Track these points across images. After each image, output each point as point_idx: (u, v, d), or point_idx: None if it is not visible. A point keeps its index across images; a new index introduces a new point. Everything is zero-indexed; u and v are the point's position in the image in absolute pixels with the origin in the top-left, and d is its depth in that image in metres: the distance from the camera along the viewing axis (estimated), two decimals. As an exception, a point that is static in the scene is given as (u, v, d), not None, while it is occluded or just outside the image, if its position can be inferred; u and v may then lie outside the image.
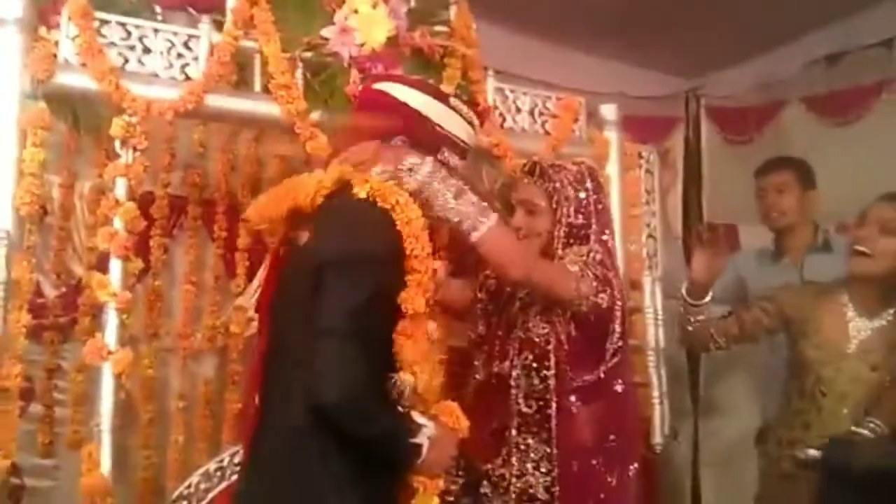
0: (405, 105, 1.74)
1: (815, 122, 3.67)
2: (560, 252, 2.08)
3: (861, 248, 2.35)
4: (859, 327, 2.40)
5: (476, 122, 1.86)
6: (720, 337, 2.60)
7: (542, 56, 3.75)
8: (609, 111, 2.75)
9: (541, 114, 2.61)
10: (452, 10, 2.43)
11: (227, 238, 2.87)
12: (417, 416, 1.62)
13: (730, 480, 3.40)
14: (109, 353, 1.90)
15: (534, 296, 2.06)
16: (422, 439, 1.60)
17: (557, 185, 2.09)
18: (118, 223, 1.95)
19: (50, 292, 2.79)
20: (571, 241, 2.09)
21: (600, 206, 2.15)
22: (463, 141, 1.80)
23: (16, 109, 1.90)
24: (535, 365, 2.04)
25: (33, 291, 2.65)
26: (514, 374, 2.07)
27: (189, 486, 2.11)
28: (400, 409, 1.62)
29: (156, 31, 2.06)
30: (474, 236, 1.81)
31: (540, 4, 3.33)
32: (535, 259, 2.03)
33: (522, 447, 2.05)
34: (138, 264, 2.01)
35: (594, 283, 1.99)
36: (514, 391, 2.06)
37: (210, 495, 2.12)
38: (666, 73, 4.19)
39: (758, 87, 3.96)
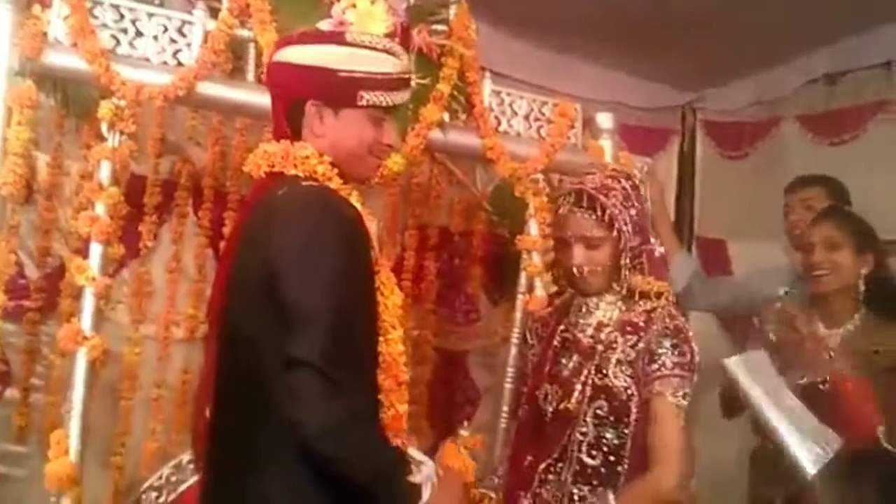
0: (295, 66, 1.57)
1: (809, 141, 3.66)
2: (627, 280, 1.95)
3: (819, 273, 2.47)
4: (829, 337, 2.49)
5: (393, 46, 1.65)
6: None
7: (542, 63, 3.73)
8: (605, 119, 2.73)
9: (536, 118, 2.59)
10: (452, 10, 2.41)
11: (214, 226, 2.84)
12: (415, 452, 1.52)
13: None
14: (84, 338, 1.87)
15: None
16: (421, 478, 1.47)
17: (615, 210, 1.92)
18: (100, 207, 1.92)
19: (33, 273, 2.76)
20: (634, 262, 1.97)
21: (646, 217, 2.05)
22: (382, 73, 1.59)
23: (3, 87, 1.88)
24: (611, 418, 1.90)
25: (17, 273, 2.70)
26: (582, 420, 1.92)
27: (160, 478, 2.09)
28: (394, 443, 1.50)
29: (149, 14, 2.03)
30: None
31: (542, 11, 3.31)
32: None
33: (577, 498, 1.90)
34: (119, 250, 1.98)
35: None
36: (578, 437, 1.91)
37: (181, 488, 2.10)
38: (665, 84, 4.18)
39: (756, 103, 3.95)
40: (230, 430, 1.51)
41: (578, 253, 1.95)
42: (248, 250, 1.51)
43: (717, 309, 3.37)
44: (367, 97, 1.57)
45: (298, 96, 1.58)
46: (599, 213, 1.92)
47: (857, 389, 2.32)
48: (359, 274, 1.48)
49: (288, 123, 1.59)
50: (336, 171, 1.56)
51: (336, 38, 1.60)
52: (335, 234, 1.44)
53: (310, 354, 1.34)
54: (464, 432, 1.78)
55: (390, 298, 1.56)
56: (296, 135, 1.59)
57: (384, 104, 1.60)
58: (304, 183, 1.52)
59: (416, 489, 1.45)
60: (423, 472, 1.48)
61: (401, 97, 1.64)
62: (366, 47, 1.58)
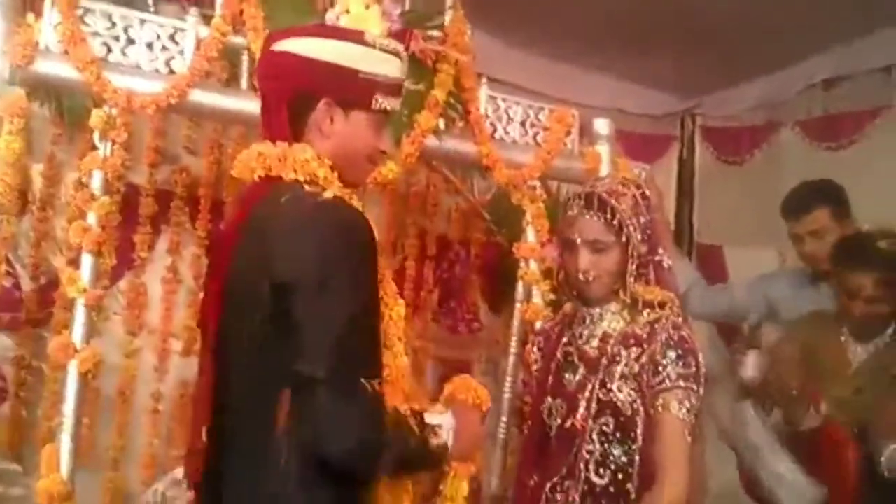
0: (309, 60, 1.48)
1: (808, 145, 3.64)
2: (631, 289, 1.90)
3: (864, 322, 2.50)
4: (857, 352, 2.51)
5: (401, 49, 1.58)
6: None
7: (541, 70, 3.73)
8: (602, 126, 2.70)
9: (532, 125, 2.57)
10: (447, 16, 2.40)
11: (210, 236, 2.83)
12: (430, 416, 1.50)
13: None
14: (76, 351, 1.84)
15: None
16: (444, 437, 1.49)
17: (624, 215, 1.87)
18: (92, 217, 1.90)
19: (27, 285, 2.74)
20: (640, 271, 1.92)
21: (657, 227, 1.99)
22: (394, 77, 1.55)
23: (-6, 95, 1.87)
24: (617, 434, 1.85)
25: (12, 285, 2.68)
26: (588, 437, 1.87)
27: (155, 493, 2.06)
28: (409, 411, 1.47)
29: (142, 21, 2.01)
30: None
31: (541, 18, 3.30)
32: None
33: None
34: (111, 260, 1.96)
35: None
36: (585, 456, 1.87)
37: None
38: (664, 91, 4.18)
39: (755, 109, 3.94)
40: (231, 440, 1.46)
41: (585, 256, 1.90)
42: (247, 259, 1.45)
43: (715, 318, 3.36)
44: (381, 101, 1.52)
45: (308, 92, 1.49)
46: (609, 216, 1.88)
47: (844, 441, 2.35)
48: (371, 286, 1.43)
49: (290, 120, 1.50)
50: (336, 175, 1.49)
51: (355, 36, 1.53)
52: (348, 247, 1.39)
53: (322, 371, 1.31)
54: None
55: (394, 310, 1.51)
56: (297, 133, 1.50)
57: (390, 109, 1.56)
58: (307, 189, 1.44)
59: (442, 450, 1.48)
60: (444, 429, 1.49)
61: (399, 102, 1.60)
62: (382, 49, 1.53)
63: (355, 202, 1.47)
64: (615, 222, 1.87)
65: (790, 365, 2.50)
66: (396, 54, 1.56)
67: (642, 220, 1.90)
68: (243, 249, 1.46)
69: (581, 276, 1.91)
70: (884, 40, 3.32)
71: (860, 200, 2.85)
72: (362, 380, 1.35)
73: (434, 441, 1.48)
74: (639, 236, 1.89)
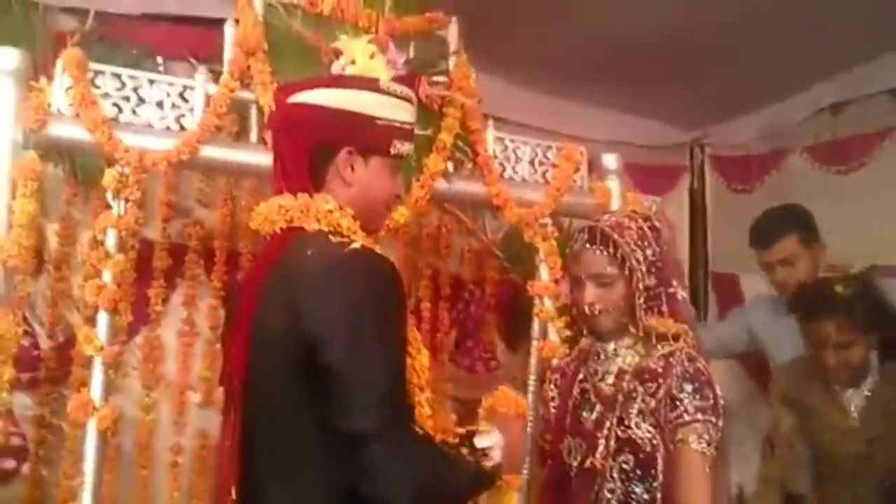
0: (328, 110, 1.50)
1: (817, 170, 3.63)
2: (643, 321, 1.89)
3: (837, 371, 2.44)
4: (851, 398, 2.46)
5: (412, 94, 1.62)
6: None
7: (547, 107, 3.75)
8: (610, 160, 2.72)
9: (541, 163, 2.59)
10: (452, 61, 2.42)
11: (226, 288, 2.84)
12: (479, 439, 1.52)
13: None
14: (95, 408, 1.85)
15: None
16: (496, 458, 1.52)
17: (627, 248, 1.87)
18: (107, 275, 1.92)
19: (45, 344, 2.75)
20: (650, 303, 1.91)
21: (668, 259, 1.98)
22: (408, 122, 1.58)
23: (8, 160, 1.89)
24: (638, 472, 1.82)
25: (31, 344, 2.70)
26: (609, 476, 1.85)
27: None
28: (458, 438, 1.52)
29: (151, 81, 2.04)
30: None
31: (540, 56, 3.33)
32: None
33: None
34: (126, 317, 1.97)
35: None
36: (607, 495, 1.85)
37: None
38: (672, 122, 4.19)
39: (762, 136, 3.94)
40: (265, 497, 1.44)
41: (591, 291, 1.90)
42: (275, 317, 1.41)
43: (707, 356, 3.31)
44: (398, 147, 1.55)
45: (329, 142, 1.50)
46: (612, 250, 1.87)
47: None
48: (403, 333, 1.43)
49: (310, 170, 1.51)
50: (358, 223, 1.49)
51: (371, 84, 1.56)
52: (381, 297, 1.38)
53: (373, 425, 1.30)
54: None
55: (417, 359, 1.49)
56: (317, 183, 1.51)
57: (406, 154, 1.58)
58: (333, 240, 1.43)
59: (496, 470, 1.52)
60: (494, 449, 1.52)
61: (412, 147, 1.62)
62: (396, 96, 1.55)
63: (378, 250, 1.47)
64: (618, 255, 1.87)
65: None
66: (409, 99, 1.58)
67: (648, 252, 1.89)
68: (270, 304, 1.44)
69: (588, 310, 1.90)
70: (889, 64, 3.32)
71: (871, 223, 2.84)
72: (410, 426, 1.37)
73: (487, 464, 1.51)
74: (644, 268, 1.88)
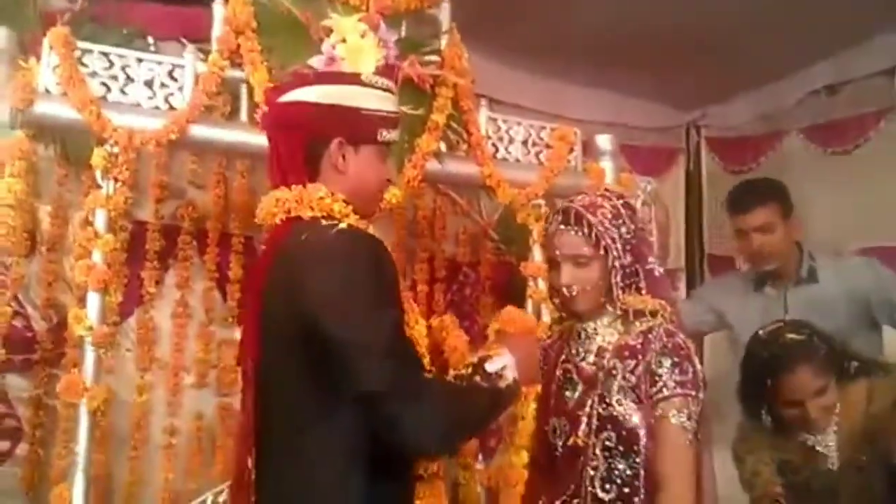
0: (318, 105, 1.61)
1: (812, 151, 3.63)
2: (621, 299, 1.87)
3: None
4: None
5: (392, 86, 1.72)
6: None
7: (543, 88, 3.74)
8: (604, 141, 2.71)
9: (535, 144, 2.57)
10: (444, 40, 2.41)
11: (220, 269, 2.84)
12: (490, 363, 1.60)
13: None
14: (85, 389, 1.85)
15: None
16: (510, 376, 1.60)
17: (602, 227, 1.85)
18: (97, 255, 1.91)
19: (39, 325, 2.75)
20: (627, 281, 1.89)
21: (642, 237, 1.97)
22: (392, 111, 1.69)
23: (-5, 140, 1.88)
24: (620, 448, 1.81)
25: (24, 326, 2.70)
26: (591, 453, 1.84)
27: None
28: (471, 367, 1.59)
29: (139, 60, 2.03)
30: None
31: (536, 38, 3.31)
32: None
33: None
34: (116, 297, 1.97)
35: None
36: (590, 472, 1.84)
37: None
38: (668, 104, 4.18)
39: (758, 118, 3.93)
40: (279, 467, 1.54)
41: (567, 272, 1.88)
42: (278, 299, 1.53)
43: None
44: (385, 134, 1.65)
45: (321, 134, 1.61)
46: (586, 230, 1.86)
47: None
48: (397, 299, 1.53)
49: (306, 163, 1.61)
50: (350, 207, 1.59)
51: (354, 79, 1.68)
52: (368, 267, 1.47)
53: (381, 384, 1.39)
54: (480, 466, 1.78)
55: (415, 329, 1.58)
56: (312, 175, 1.61)
57: (392, 141, 1.68)
58: (324, 223, 1.53)
59: (513, 387, 1.60)
60: (507, 371, 1.60)
61: (398, 134, 1.72)
62: (378, 88, 1.66)
63: (370, 231, 1.58)
64: (593, 235, 1.85)
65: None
66: (390, 90, 1.69)
67: (623, 230, 1.88)
68: (273, 288, 1.55)
69: (565, 291, 1.89)
70: (884, 45, 3.31)
71: (867, 203, 2.83)
72: (419, 373, 1.50)
73: (503, 384, 1.59)
74: (619, 247, 1.86)
